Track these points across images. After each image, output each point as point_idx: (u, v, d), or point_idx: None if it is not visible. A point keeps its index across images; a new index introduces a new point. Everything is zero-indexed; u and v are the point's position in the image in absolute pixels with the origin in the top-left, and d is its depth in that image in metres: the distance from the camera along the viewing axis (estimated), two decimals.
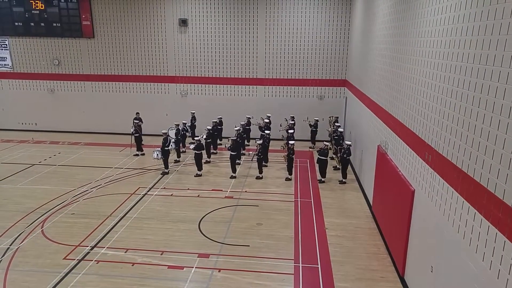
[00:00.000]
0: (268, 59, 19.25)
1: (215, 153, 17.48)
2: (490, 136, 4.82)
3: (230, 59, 19.42)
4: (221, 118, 18.52)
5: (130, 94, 20.39)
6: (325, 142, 14.33)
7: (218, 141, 18.03)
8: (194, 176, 14.57)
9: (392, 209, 9.18)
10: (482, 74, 5.08)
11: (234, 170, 14.57)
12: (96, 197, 12.61)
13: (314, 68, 19.19)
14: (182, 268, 8.78)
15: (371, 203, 11.71)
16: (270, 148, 16.43)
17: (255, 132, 18.01)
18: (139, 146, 17.11)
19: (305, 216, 11.48)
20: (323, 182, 14.14)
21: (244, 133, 17.26)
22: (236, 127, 16.31)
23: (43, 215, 11.30)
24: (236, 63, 19.45)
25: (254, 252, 9.47)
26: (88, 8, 19.30)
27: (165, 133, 14.92)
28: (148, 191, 13.16)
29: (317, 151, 14.44)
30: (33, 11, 19.47)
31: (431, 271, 6.61)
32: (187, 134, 18.07)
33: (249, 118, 18.26)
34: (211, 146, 16.93)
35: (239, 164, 15.59)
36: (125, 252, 9.39)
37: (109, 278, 8.39)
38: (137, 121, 17.41)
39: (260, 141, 14.82)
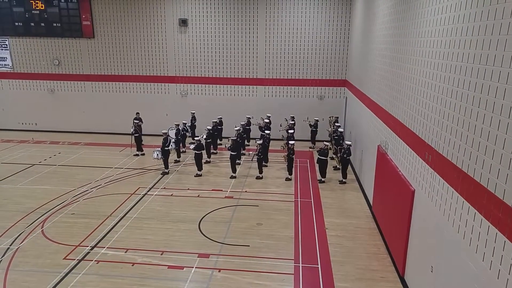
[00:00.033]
0: (268, 59, 19.26)
1: (215, 153, 17.48)
2: (490, 136, 4.82)
3: (230, 59, 19.43)
4: (221, 118, 18.52)
5: (130, 94, 20.39)
6: (325, 142, 14.33)
7: (218, 141, 18.02)
8: (194, 176, 14.57)
9: (392, 209, 9.18)
10: (482, 74, 5.08)
11: (234, 170, 14.57)
12: (96, 197, 12.61)
13: (314, 68, 19.19)
14: (182, 268, 8.78)
15: (371, 203, 11.71)
16: (270, 148, 16.43)
17: (255, 132, 18.01)
18: (139, 146, 17.11)
19: (305, 216, 11.48)
20: (323, 182, 14.14)
21: (244, 133, 17.26)
22: (236, 127, 16.31)
23: (43, 215, 11.30)
24: (236, 63, 19.45)
25: (254, 252, 9.47)
26: (88, 8, 19.31)
27: (165, 133, 14.92)
28: (148, 191, 13.16)
29: (317, 151, 14.44)
30: (33, 11, 19.47)
31: (431, 271, 6.61)
32: (187, 134, 18.07)
33: (249, 118, 18.25)
34: (211, 146, 16.93)
35: (239, 164, 15.59)
36: (125, 252, 9.40)
37: (109, 278, 8.39)
38: (137, 121, 17.41)
39: (260, 141, 14.82)
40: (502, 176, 4.53)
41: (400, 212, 8.34)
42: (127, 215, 11.33)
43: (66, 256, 9.21)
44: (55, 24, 19.59)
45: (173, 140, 15.67)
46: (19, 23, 19.72)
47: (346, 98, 18.57)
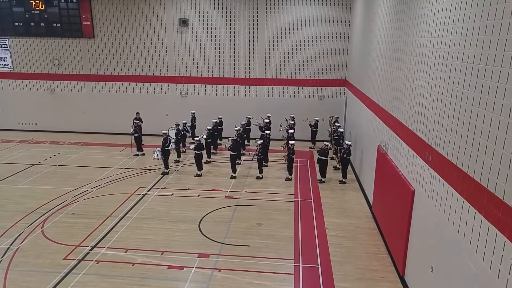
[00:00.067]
0: (268, 59, 19.26)
1: (215, 153, 17.48)
2: (490, 136, 4.82)
3: (230, 59, 19.43)
4: (221, 118, 18.52)
5: (130, 94, 20.40)
6: (325, 142, 14.34)
7: (218, 141, 18.02)
8: (194, 176, 14.57)
9: (392, 209, 9.18)
10: (482, 74, 5.08)
11: (234, 170, 14.57)
12: (96, 197, 12.61)
13: (314, 68, 19.19)
14: (182, 268, 8.78)
15: (371, 203, 11.71)
16: (270, 148, 16.43)
17: (255, 132, 18.01)
18: (139, 146, 17.11)
19: (305, 216, 11.48)
20: (323, 182, 14.14)
21: (244, 133, 17.26)
22: (236, 127, 16.31)
23: (43, 215, 11.30)
24: (236, 63, 19.45)
25: (254, 252, 9.47)
26: (88, 8, 19.31)
27: (165, 133, 14.92)
28: (148, 191, 13.16)
29: (317, 151, 14.44)
30: (33, 11, 19.47)
31: (431, 271, 6.61)
32: (187, 134, 18.07)
33: (249, 118, 18.25)
34: (211, 146, 16.93)
35: (239, 164, 15.59)
36: (125, 252, 9.40)
37: (109, 278, 8.39)
38: (137, 121, 17.41)
39: (260, 141, 14.82)
40: (502, 176, 4.53)
41: (400, 212, 8.34)
42: (127, 215, 11.33)
43: (66, 256, 9.21)
44: (55, 24, 19.59)
45: (173, 140, 15.67)
46: (19, 23, 19.72)
47: (346, 98, 18.57)
